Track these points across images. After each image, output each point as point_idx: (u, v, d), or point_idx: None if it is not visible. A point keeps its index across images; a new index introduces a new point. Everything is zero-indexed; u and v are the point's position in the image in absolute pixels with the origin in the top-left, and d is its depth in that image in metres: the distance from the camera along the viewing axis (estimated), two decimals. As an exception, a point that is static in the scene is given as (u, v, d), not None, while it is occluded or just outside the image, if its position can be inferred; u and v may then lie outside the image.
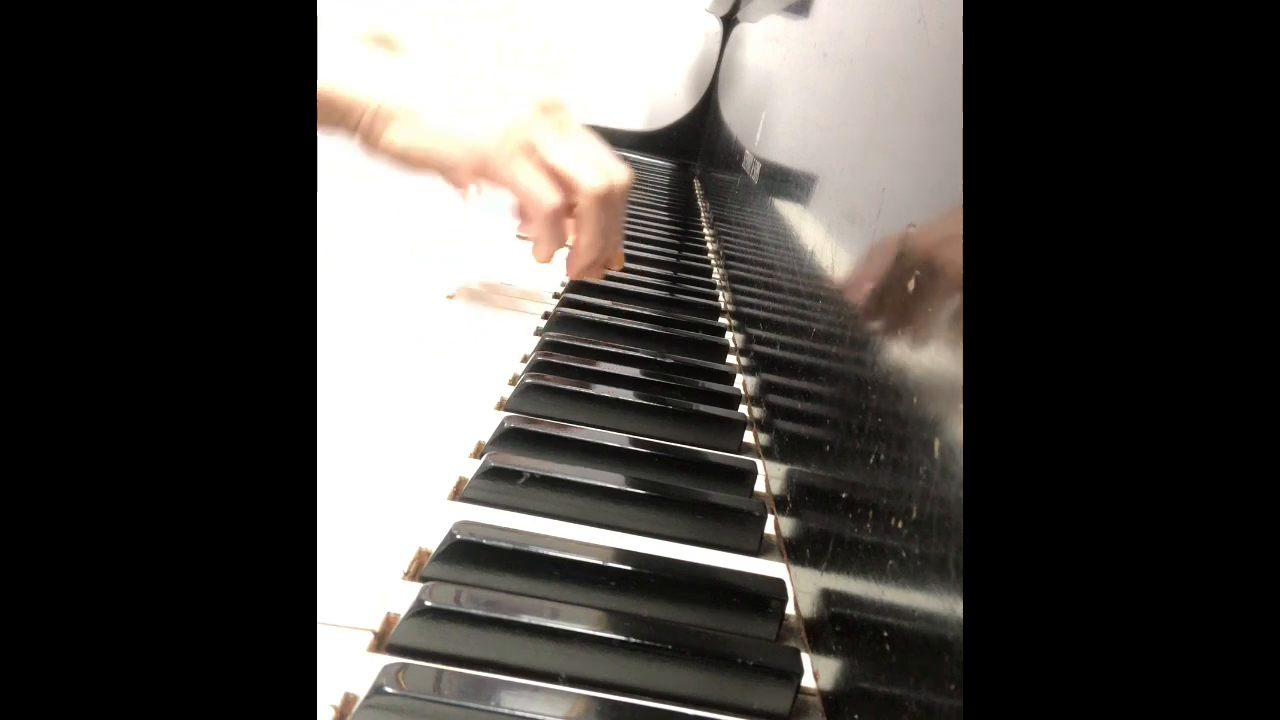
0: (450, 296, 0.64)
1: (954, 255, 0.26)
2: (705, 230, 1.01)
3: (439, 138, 0.54)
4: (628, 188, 0.58)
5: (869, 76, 0.42)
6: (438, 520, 0.35)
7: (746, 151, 0.84)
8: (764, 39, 0.94)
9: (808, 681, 0.30)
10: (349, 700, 0.26)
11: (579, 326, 0.60)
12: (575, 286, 0.69)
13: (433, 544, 0.33)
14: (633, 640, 0.29)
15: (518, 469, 0.38)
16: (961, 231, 0.19)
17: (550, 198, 0.55)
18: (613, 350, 0.56)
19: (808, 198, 0.52)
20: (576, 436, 0.42)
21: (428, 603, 0.29)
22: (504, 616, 0.29)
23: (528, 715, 0.26)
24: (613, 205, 0.56)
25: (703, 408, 0.49)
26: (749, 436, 0.49)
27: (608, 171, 0.56)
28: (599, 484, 0.38)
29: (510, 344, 0.57)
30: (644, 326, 0.62)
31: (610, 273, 0.72)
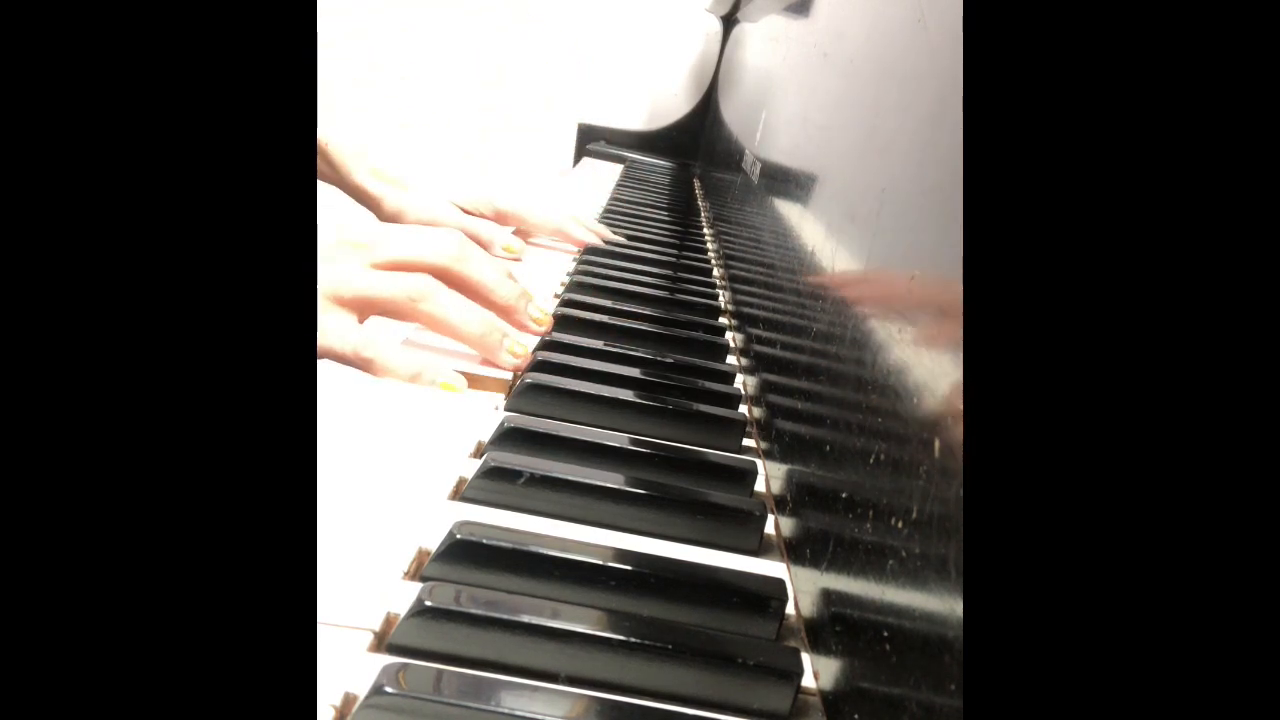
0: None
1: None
2: (705, 230, 1.01)
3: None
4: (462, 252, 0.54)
5: (869, 76, 0.42)
6: (438, 520, 0.35)
7: (746, 151, 0.84)
8: (764, 39, 0.94)
9: (808, 681, 0.30)
10: (349, 700, 0.26)
11: (579, 326, 0.60)
12: (575, 287, 0.69)
13: (433, 544, 0.33)
14: (633, 640, 0.29)
15: (518, 469, 0.38)
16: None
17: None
18: (613, 350, 0.56)
19: (808, 198, 0.52)
20: (576, 436, 0.42)
21: (428, 602, 0.29)
22: (504, 616, 0.29)
23: (528, 715, 0.26)
24: (462, 268, 0.54)
25: (703, 407, 0.49)
26: (749, 437, 0.49)
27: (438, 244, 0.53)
28: (599, 484, 0.38)
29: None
30: (644, 326, 0.62)
31: (609, 275, 0.72)
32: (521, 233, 0.84)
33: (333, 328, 0.49)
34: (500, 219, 0.83)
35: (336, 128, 0.81)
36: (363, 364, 0.49)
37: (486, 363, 0.53)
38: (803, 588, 0.35)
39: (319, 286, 0.50)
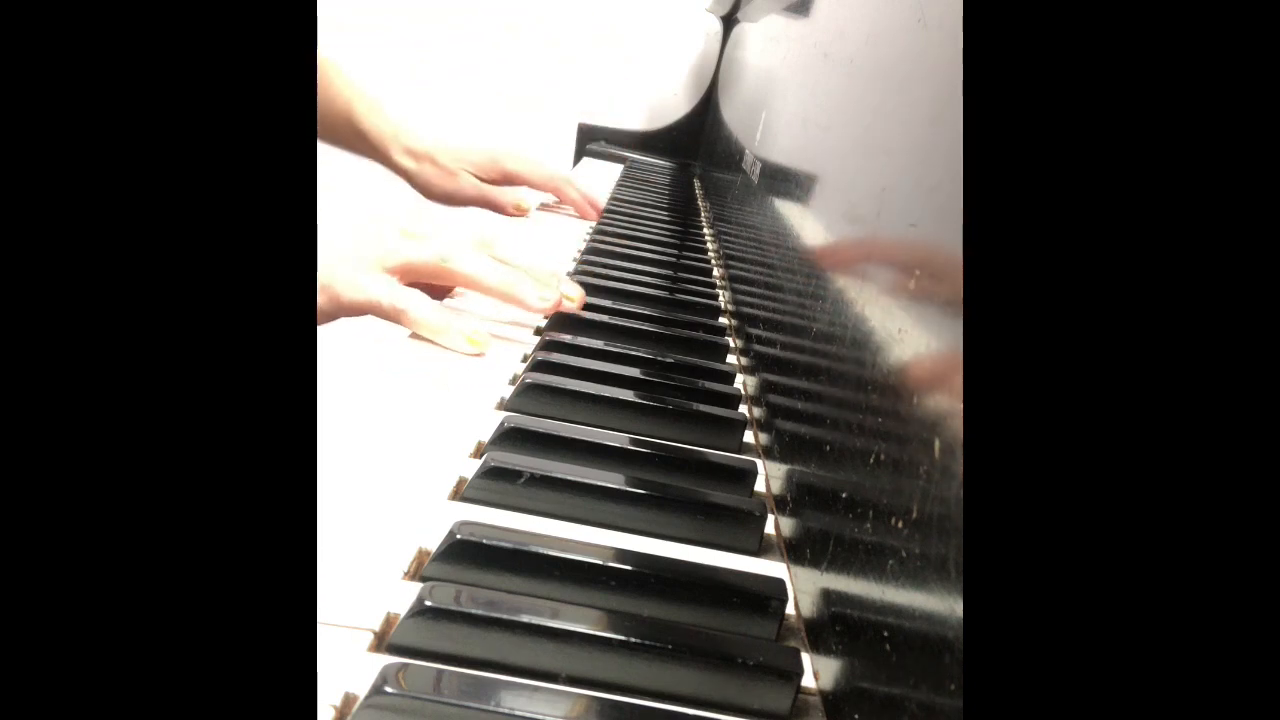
0: (450, 295, 0.64)
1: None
2: (705, 230, 1.01)
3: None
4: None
5: (869, 76, 0.42)
6: (438, 520, 0.35)
7: (746, 151, 0.84)
8: (764, 39, 0.94)
9: (808, 681, 0.30)
10: (349, 700, 0.26)
11: (579, 326, 0.60)
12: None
13: (433, 544, 0.33)
14: (633, 640, 0.29)
15: (518, 469, 0.38)
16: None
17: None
18: (613, 350, 0.56)
19: (808, 198, 0.52)
20: (576, 436, 0.42)
21: (428, 602, 0.29)
22: (504, 616, 0.29)
23: (528, 715, 0.26)
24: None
25: (703, 407, 0.49)
26: (749, 436, 0.49)
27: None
28: (599, 484, 0.38)
29: (510, 343, 0.57)
30: (644, 326, 0.62)
31: (609, 275, 0.72)
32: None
33: (373, 284, 0.55)
34: (506, 179, 0.98)
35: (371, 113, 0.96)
36: (395, 314, 0.55)
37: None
38: (803, 588, 0.35)
39: (367, 255, 0.56)
